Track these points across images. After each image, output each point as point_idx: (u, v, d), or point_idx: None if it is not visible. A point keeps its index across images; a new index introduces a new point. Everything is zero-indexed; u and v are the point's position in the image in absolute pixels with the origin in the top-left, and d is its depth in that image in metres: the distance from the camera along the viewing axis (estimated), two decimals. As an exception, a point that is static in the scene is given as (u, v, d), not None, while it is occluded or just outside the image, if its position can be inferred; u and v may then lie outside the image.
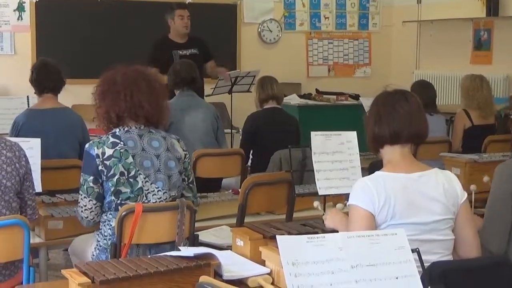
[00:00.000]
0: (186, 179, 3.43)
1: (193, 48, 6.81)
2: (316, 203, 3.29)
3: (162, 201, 3.28)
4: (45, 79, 4.73)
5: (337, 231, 2.97)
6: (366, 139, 2.94)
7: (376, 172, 2.83)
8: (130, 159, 3.23)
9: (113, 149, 3.22)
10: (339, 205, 3.27)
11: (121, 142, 3.25)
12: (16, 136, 4.49)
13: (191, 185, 3.47)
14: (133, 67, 3.38)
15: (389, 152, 2.87)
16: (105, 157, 3.21)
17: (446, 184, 2.83)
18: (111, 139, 3.25)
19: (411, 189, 2.77)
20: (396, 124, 2.82)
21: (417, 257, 2.20)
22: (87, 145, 3.28)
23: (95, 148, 3.23)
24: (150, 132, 3.34)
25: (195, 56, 6.58)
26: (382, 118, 2.84)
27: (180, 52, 6.72)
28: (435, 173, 2.85)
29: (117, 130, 3.30)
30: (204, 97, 6.45)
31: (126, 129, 3.30)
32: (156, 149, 3.31)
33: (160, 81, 3.52)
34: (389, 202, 2.72)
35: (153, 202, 3.25)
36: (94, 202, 3.26)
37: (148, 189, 3.25)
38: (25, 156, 3.30)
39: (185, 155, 3.42)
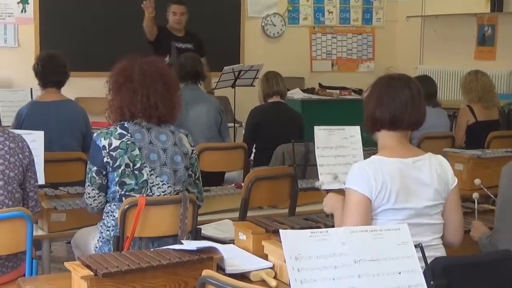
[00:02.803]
0: (192, 175, 3.43)
1: (190, 43, 6.98)
2: (318, 183, 3.29)
3: (166, 195, 3.27)
4: (51, 73, 4.72)
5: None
6: (364, 118, 2.95)
7: (373, 157, 2.85)
8: (137, 151, 3.23)
9: (120, 141, 3.23)
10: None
11: (128, 134, 3.25)
12: (19, 128, 4.49)
13: (197, 181, 3.47)
14: (149, 60, 3.35)
15: (385, 137, 2.90)
16: (111, 148, 3.21)
17: (438, 169, 2.88)
18: (119, 130, 3.26)
19: (406, 174, 2.80)
20: (398, 110, 2.84)
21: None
22: (95, 134, 3.29)
23: (102, 138, 3.24)
24: (159, 125, 3.33)
25: (190, 51, 6.64)
26: (384, 102, 2.85)
27: (177, 45, 6.89)
28: (429, 158, 2.90)
29: (126, 122, 3.30)
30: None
31: (135, 121, 3.30)
32: (163, 143, 3.30)
33: (174, 76, 3.49)
34: (386, 186, 2.75)
35: (157, 195, 3.25)
36: (97, 191, 3.28)
37: (153, 182, 3.25)
38: (28, 147, 3.31)
39: (193, 150, 3.42)
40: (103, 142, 3.22)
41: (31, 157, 3.32)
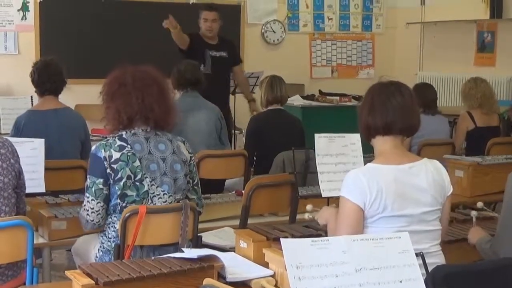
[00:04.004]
0: (191, 181, 3.43)
1: (224, 51, 6.64)
2: (309, 207, 3.31)
3: (167, 204, 3.27)
4: (47, 81, 4.67)
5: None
6: (359, 127, 2.97)
7: (368, 164, 2.86)
8: (137, 163, 3.21)
9: (120, 153, 3.21)
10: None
11: (128, 146, 3.23)
12: (19, 137, 4.48)
13: (195, 187, 3.47)
14: (141, 67, 3.36)
15: (380, 143, 2.91)
16: (112, 160, 3.20)
17: (435, 175, 2.88)
18: (118, 142, 3.24)
19: (402, 181, 2.80)
20: (390, 115, 2.85)
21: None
22: (93, 148, 3.27)
23: (102, 150, 3.21)
24: (157, 134, 3.33)
25: (224, 59, 6.53)
26: (376, 108, 2.87)
27: (211, 53, 6.56)
28: (425, 163, 2.90)
29: (124, 133, 3.28)
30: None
31: (132, 131, 3.29)
32: (162, 152, 3.30)
33: (167, 82, 3.50)
34: (381, 195, 2.75)
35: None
36: (102, 204, 3.24)
37: (153, 193, 3.24)
38: (16, 151, 3.31)
39: (191, 157, 3.42)
40: (104, 154, 3.20)
41: (19, 161, 3.32)
